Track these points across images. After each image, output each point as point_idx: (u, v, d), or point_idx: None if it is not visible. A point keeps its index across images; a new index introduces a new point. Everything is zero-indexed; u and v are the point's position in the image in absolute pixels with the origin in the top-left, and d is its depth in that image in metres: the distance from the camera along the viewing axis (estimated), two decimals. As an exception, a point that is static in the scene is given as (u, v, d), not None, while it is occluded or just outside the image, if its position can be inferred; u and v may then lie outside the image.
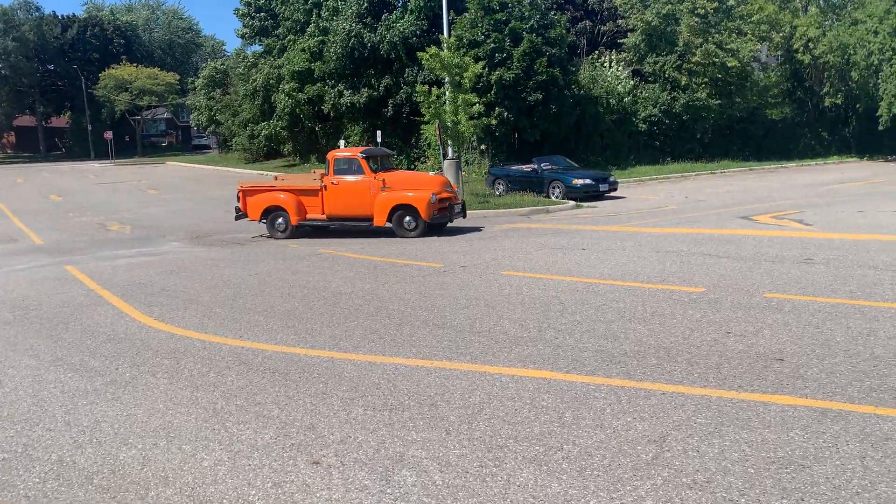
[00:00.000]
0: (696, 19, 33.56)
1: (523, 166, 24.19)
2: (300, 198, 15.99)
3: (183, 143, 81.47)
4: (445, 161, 21.88)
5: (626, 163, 33.13)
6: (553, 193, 22.06)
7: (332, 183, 15.67)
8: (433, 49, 20.31)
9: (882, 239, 11.34)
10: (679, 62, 33.79)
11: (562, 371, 5.63)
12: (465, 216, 16.43)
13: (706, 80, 33.69)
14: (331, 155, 16.10)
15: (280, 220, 16.04)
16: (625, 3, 35.61)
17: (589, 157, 32.31)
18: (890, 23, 31.91)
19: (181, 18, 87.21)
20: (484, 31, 29.25)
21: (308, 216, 16.05)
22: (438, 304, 8.28)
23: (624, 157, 33.67)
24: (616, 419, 4.60)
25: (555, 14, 31.62)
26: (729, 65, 33.01)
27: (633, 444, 4.19)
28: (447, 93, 21.23)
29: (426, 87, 20.27)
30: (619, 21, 37.17)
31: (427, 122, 21.85)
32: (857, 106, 35.46)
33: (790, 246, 11.14)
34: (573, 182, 21.81)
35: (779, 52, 38.15)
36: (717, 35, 33.54)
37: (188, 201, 26.86)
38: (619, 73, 34.38)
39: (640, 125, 33.55)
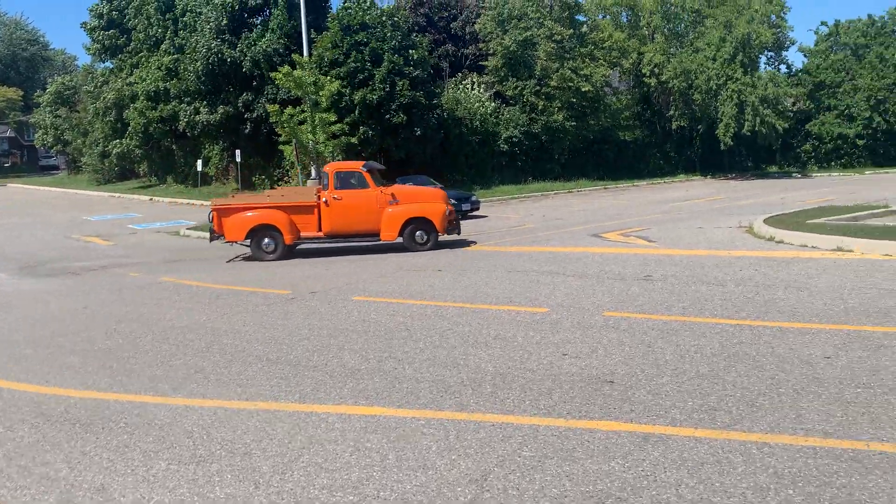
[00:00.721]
0: (553, 45, 34.95)
1: (386, 187, 23.96)
2: (291, 215, 14.82)
3: (29, 163, 75.40)
4: (308, 181, 21.37)
5: (490, 182, 33.80)
6: (416, 214, 21.94)
7: (335, 198, 14.78)
8: (286, 68, 19.80)
9: (715, 254, 11.96)
10: (537, 86, 35.00)
11: (394, 406, 5.36)
12: (459, 232, 15.74)
13: (562, 103, 35.07)
14: (331, 168, 15.32)
15: (267, 240, 14.73)
16: (484, 28, 36.50)
17: (455, 177, 32.71)
18: (725, 50, 34.61)
19: (24, 30, 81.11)
20: (344, 50, 28.99)
21: (302, 234, 15.00)
22: (277, 335, 7.82)
23: (488, 177, 34.36)
24: (440, 458, 4.36)
25: (416, 36, 31.85)
26: (583, 89, 34.55)
27: (452, 486, 3.96)
28: (306, 112, 20.75)
29: (277, 106, 19.67)
30: (481, 45, 38.05)
31: (285, 142, 21.25)
32: (700, 127, 38.13)
33: (633, 263, 11.51)
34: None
35: (629, 78, 40.45)
36: (571, 61, 35.06)
37: (26, 227, 24.67)
38: (481, 96, 35.12)
39: (503, 146, 34.38)
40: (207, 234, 16.11)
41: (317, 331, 7.93)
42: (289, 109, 19.59)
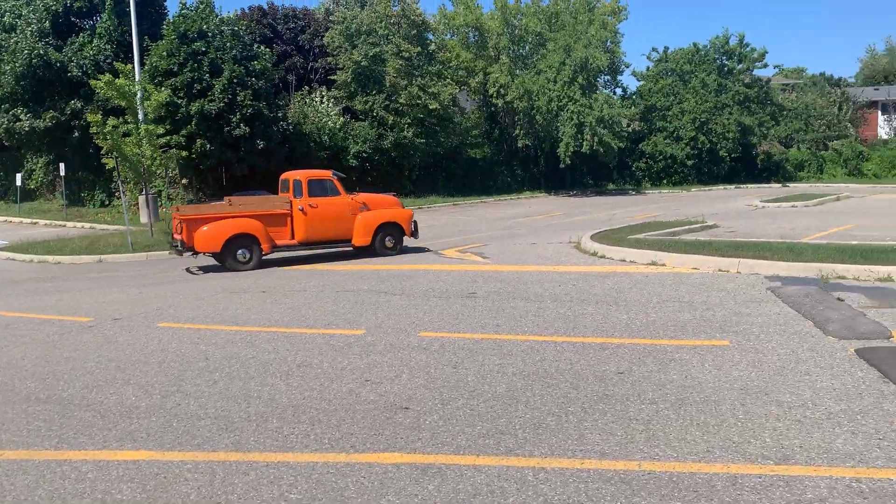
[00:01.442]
0: (401, 62, 35.04)
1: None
2: (265, 224, 14.42)
3: None
4: (141, 196, 19.96)
5: (339, 198, 33.21)
6: (255, 231, 21.07)
7: (311, 206, 14.70)
8: (107, 76, 18.40)
9: (541, 270, 12.22)
10: (387, 102, 34.93)
11: (164, 448, 4.84)
12: (417, 236, 16.15)
13: (412, 119, 35.22)
14: (302, 176, 15.24)
15: (243, 249, 14.12)
16: (333, 42, 36.05)
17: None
18: (565, 73, 36.17)
19: None
20: (181, 59, 27.55)
21: (277, 243, 14.64)
22: (58, 370, 7.00)
23: (338, 193, 33.75)
24: (196, 508, 3.92)
25: (259, 47, 30.85)
26: (431, 107, 34.85)
27: (197, 543, 3.54)
28: (130, 123, 19.34)
29: (99, 115, 18.20)
30: (329, 59, 37.54)
31: (107, 154, 19.72)
32: (544, 146, 39.56)
33: (463, 280, 11.50)
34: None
35: (477, 97, 41.36)
36: (420, 78, 35.31)
37: None
38: (329, 110, 34.58)
39: (352, 161, 33.96)
40: (168, 247, 15.55)
41: (105, 363, 7.19)
42: (112, 120, 18.17)
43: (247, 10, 41.38)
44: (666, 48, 44.69)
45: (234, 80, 27.55)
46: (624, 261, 12.81)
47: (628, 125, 43.22)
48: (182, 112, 26.93)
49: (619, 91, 43.88)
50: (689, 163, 42.44)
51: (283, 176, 15.86)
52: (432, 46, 37.32)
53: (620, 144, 37.61)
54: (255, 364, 6.90)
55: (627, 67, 43.37)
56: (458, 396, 5.64)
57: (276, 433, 5.03)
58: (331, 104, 35.30)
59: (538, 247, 15.84)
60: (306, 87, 36.63)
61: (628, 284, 10.39)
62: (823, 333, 7.17)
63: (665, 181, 43.50)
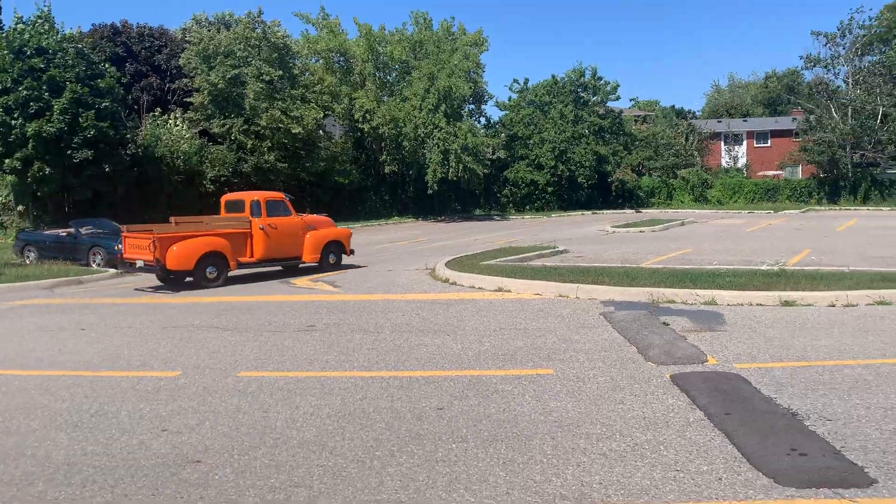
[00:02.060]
0: (262, 85, 34.17)
1: (60, 230, 21.17)
2: (230, 242, 15.06)
3: None
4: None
5: (196, 225, 31.70)
6: (94, 261, 19.56)
7: (271, 226, 15.66)
8: None
9: (390, 298, 11.95)
10: (246, 125, 33.90)
11: None
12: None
13: (273, 143, 34.34)
14: (261, 197, 16.07)
15: (211, 267, 14.64)
16: (189, 63, 34.64)
17: (155, 219, 30.11)
18: (429, 100, 36.58)
19: None
20: (15, 76, 25.45)
21: (240, 260, 15.31)
22: None
23: (195, 219, 32.21)
24: None
25: (105, 65, 29.04)
26: (294, 131, 34.15)
27: None
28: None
29: None
30: (186, 80, 36.02)
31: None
32: (411, 172, 39.75)
33: (306, 312, 11.03)
34: (116, 248, 19.64)
35: (344, 122, 41.03)
36: (282, 102, 34.55)
37: None
38: (183, 133, 33.08)
39: (209, 186, 32.60)
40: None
41: None
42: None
43: (97, 27, 39.03)
44: (526, 80, 46.43)
45: (77, 100, 25.74)
46: (473, 287, 12.81)
47: (493, 153, 44.33)
48: (16, 133, 24.84)
49: (483, 120, 44.93)
50: (550, 189, 44.01)
51: (236, 196, 17.15)
52: (296, 70, 36.66)
53: (485, 171, 38.42)
54: (42, 414, 6.13)
55: (491, 98, 44.32)
56: (260, 445, 5.20)
57: (39, 499, 4.40)
58: (185, 126, 33.76)
59: (394, 274, 15.62)
60: (158, 109, 34.85)
61: (471, 312, 10.31)
62: (644, 359, 7.31)
63: (528, 207, 44.82)
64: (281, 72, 35.21)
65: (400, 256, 19.96)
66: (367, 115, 37.50)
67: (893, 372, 6.58)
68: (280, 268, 16.60)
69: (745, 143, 64.63)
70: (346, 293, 13.01)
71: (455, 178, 37.24)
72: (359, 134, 40.28)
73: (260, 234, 15.56)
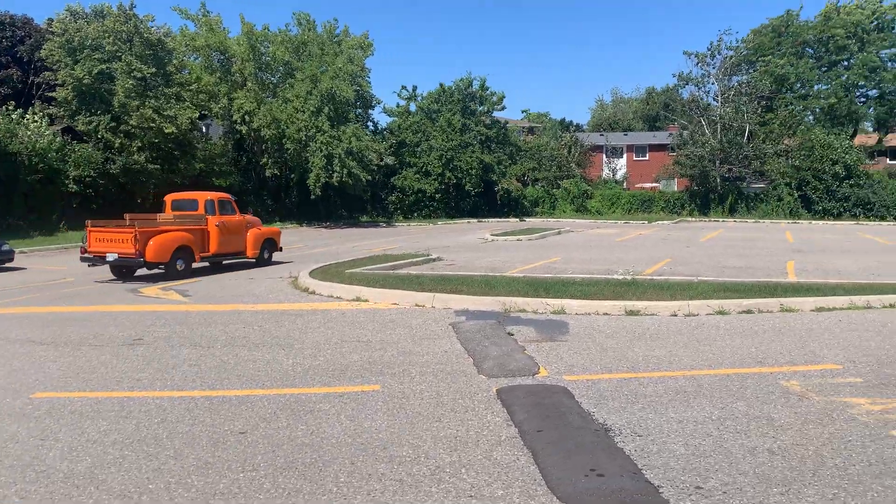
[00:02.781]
0: (133, 82, 32.36)
1: None
2: (194, 238, 16.43)
3: None
4: None
5: (55, 227, 29.57)
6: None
7: (224, 223, 17.18)
8: None
9: (239, 309, 11.31)
10: (114, 123, 31.99)
11: None
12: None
13: (144, 143, 32.57)
14: (215, 197, 17.58)
15: (181, 260, 15.93)
16: (52, 56, 32.33)
17: (10, 221, 27.94)
18: (312, 102, 35.75)
19: None
20: None
21: (201, 254, 16.61)
22: None
23: (54, 222, 30.05)
24: None
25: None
26: (167, 131, 32.52)
27: None
28: None
29: None
30: (48, 74, 33.63)
31: None
32: (293, 176, 38.72)
33: (139, 324, 10.22)
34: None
35: (224, 123, 39.51)
36: (154, 100, 32.84)
37: None
38: (42, 129, 30.79)
39: (72, 186, 30.48)
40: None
41: None
42: None
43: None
44: (415, 87, 46.46)
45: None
46: (332, 297, 12.36)
47: (381, 159, 43.94)
48: None
49: (370, 126, 44.45)
50: (438, 197, 44.09)
51: (186, 195, 18.28)
52: (171, 67, 34.94)
53: (369, 177, 37.97)
54: None
55: (379, 104, 43.97)
56: (18, 479, 4.57)
57: None
58: (45, 123, 31.44)
59: (254, 283, 14.92)
60: (12, 103, 32.31)
61: (318, 324, 9.85)
62: (478, 372, 7.12)
63: (416, 214, 44.71)
64: (154, 69, 33.47)
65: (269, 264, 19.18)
66: (246, 116, 36.23)
67: (715, 383, 6.66)
68: (159, 271, 16.06)
69: (625, 156, 67.30)
70: (193, 303, 12.23)
71: (339, 184, 36.57)
72: (238, 136, 38.88)
73: (215, 231, 17.08)
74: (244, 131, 37.26)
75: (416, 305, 11.12)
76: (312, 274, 14.55)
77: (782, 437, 5.22)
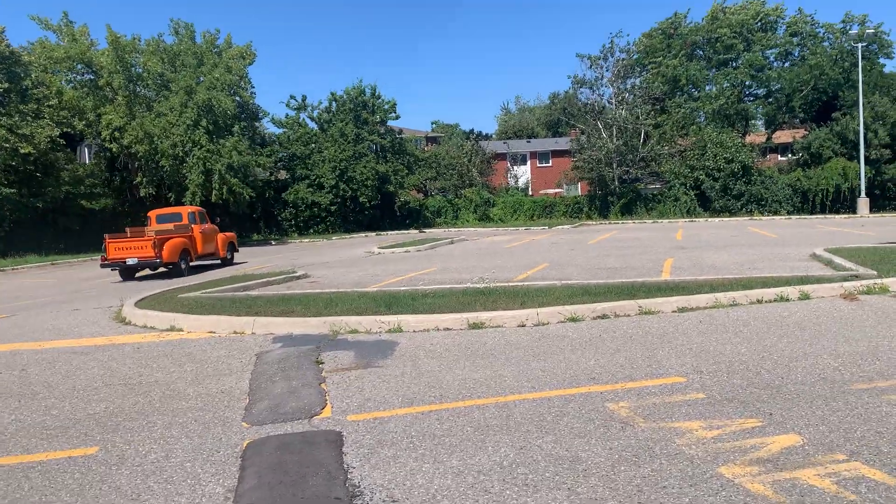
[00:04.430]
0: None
1: None
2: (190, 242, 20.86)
3: None
4: None
5: None
6: None
7: (204, 231, 21.62)
8: None
9: (16, 348, 9.42)
10: (-42, 144, 28.92)
11: None
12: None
13: (-1, 165, 29.63)
14: (195, 209, 22.15)
15: (183, 260, 19.97)
16: None
17: None
18: (188, 115, 33.48)
19: None
20: None
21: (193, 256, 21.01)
22: None
23: None
24: None
25: None
26: (23, 151, 29.66)
27: None
28: None
29: None
30: None
31: None
32: (169, 195, 36.21)
33: None
34: None
35: (92, 141, 36.66)
36: (8, 118, 29.92)
37: None
38: None
39: None
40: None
41: None
42: None
43: None
44: (304, 96, 44.83)
45: None
46: (146, 327, 10.62)
47: (270, 174, 41.92)
48: None
49: (258, 138, 42.34)
50: (334, 209, 42.39)
51: (169, 210, 22.74)
52: (27, 82, 32.01)
53: (252, 193, 35.89)
54: None
55: (266, 115, 41.91)
56: None
57: None
58: None
59: (74, 314, 12.92)
60: None
61: (96, 363, 8.13)
62: (243, 418, 5.64)
63: (312, 230, 42.88)
64: (7, 84, 30.54)
65: (112, 290, 17.11)
66: (116, 132, 33.60)
67: (529, 412, 5.41)
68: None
69: (528, 163, 67.36)
70: (-23, 343, 10.23)
71: (221, 201, 34.35)
72: (109, 154, 36.10)
73: (200, 237, 21.39)
74: (115, 149, 34.57)
75: (235, 333, 9.54)
76: (140, 302, 12.73)
77: (581, 488, 3.97)
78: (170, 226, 20.79)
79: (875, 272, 11.10)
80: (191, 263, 20.60)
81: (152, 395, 6.48)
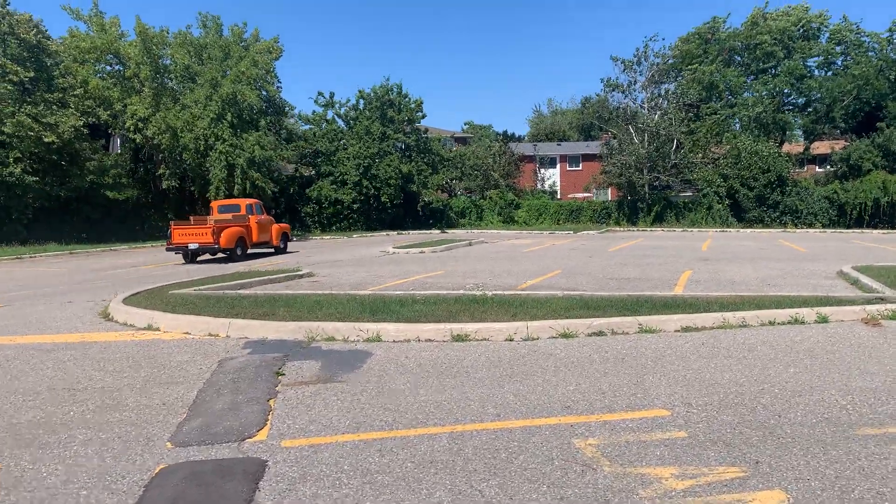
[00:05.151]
0: (8, 87, 29.57)
1: None
2: (245, 230, 23.05)
3: None
4: None
5: None
6: None
7: (259, 221, 23.93)
8: None
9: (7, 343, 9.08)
10: (-16, 131, 29.13)
11: None
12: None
13: (22, 153, 29.75)
14: (252, 201, 24.43)
15: (239, 247, 22.43)
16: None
17: None
18: (212, 108, 33.35)
19: None
20: None
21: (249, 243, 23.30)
22: None
23: None
24: None
25: None
26: (47, 139, 29.77)
27: None
28: None
29: None
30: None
31: None
32: (193, 189, 36.16)
33: None
34: None
35: (117, 132, 36.80)
36: (33, 106, 30.07)
37: None
38: None
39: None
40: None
41: None
42: None
43: None
44: (332, 93, 44.34)
45: None
46: (126, 325, 10.22)
47: (296, 169, 41.72)
48: None
49: (283, 133, 42.16)
50: (356, 208, 42.06)
51: (230, 202, 25.04)
52: (55, 71, 32.17)
53: (276, 188, 35.67)
54: None
55: (293, 110, 41.73)
56: None
57: None
58: None
59: (65, 307, 12.61)
60: None
61: (55, 362, 7.71)
62: (170, 437, 5.12)
63: (335, 227, 42.61)
64: (33, 72, 30.70)
65: (118, 284, 16.82)
66: (139, 123, 33.61)
67: (484, 446, 4.81)
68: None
69: (558, 166, 66.38)
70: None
71: (243, 196, 34.14)
72: (133, 145, 36.18)
73: (255, 227, 23.64)
74: (138, 140, 34.61)
75: (209, 335, 9.06)
76: (131, 298, 12.36)
77: (512, 552, 3.35)
78: (228, 216, 23.41)
79: (903, 295, 10.23)
80: (247, 251, 22.88)
81: (88, 404, 6.00)
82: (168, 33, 36.82)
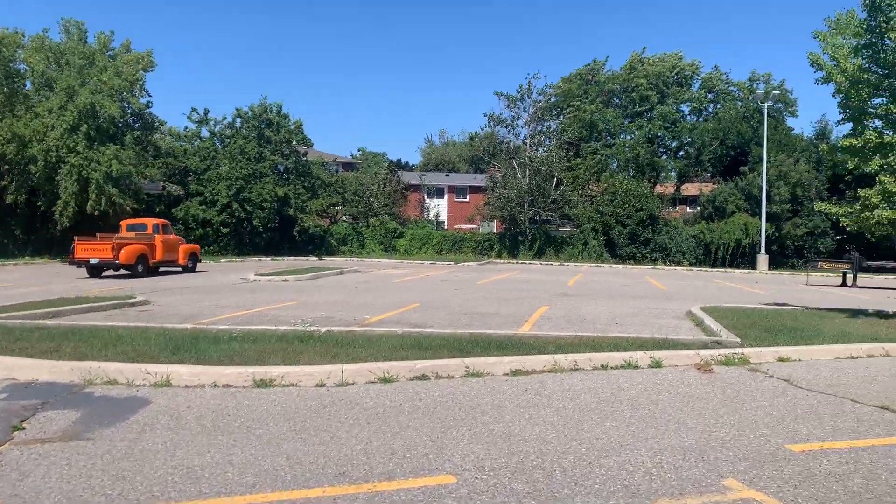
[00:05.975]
0: None
1: None
2: (148, 248, 24.21)
3: None
4: None
5: None
6: None
7: (165, 240, 25.20)
8: None
9: None
10: None
11: None
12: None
13: None
14: (159, 221, 25.96)
15: (140, 264, 23.40)
16: None
17: None
18: (66, 119, 30.89)
19: None
20: None
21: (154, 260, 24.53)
22: None
23: None
24: None
25: None
26: None
27: None
28: None
29: None
30: None
31: None
32: (39, 204, 33.24)
33: None
34: None
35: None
36: None
37: None
38: None
39: None
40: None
41: None
42: None
43: None
44: (206, 110, 42.49)
45: None
46: None
47: (163, 187, 39.35)
48: None
49: (151, 149, 39.73)
50: (226, 230, 40.09)
51: (138, 221, 26.65)
52: None
53: (135, 206, 33.36)
54: None
55: (164, 125, 39.43)
56: None
57: None
58: None
59: None
60: None
61: None
62: None
63: (203, 249, 40.24)
64: None
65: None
66: (-19, 130, 30.62)
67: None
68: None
69: (446, 196, 66.54)
70: None
71: (97, 213, 31.66)
72: (-25, 155, 32.91)
73: (161, 245, 24.67)
74: (-18, 150, 31.52)
75: (-28, 375, 7.66)
76: None
77: None
78: (133, 234, 24.74)
79: (739, 339, 10.14)
80: (150, 269, 24.08)
81: None
82: (24, 36, 33.99)
